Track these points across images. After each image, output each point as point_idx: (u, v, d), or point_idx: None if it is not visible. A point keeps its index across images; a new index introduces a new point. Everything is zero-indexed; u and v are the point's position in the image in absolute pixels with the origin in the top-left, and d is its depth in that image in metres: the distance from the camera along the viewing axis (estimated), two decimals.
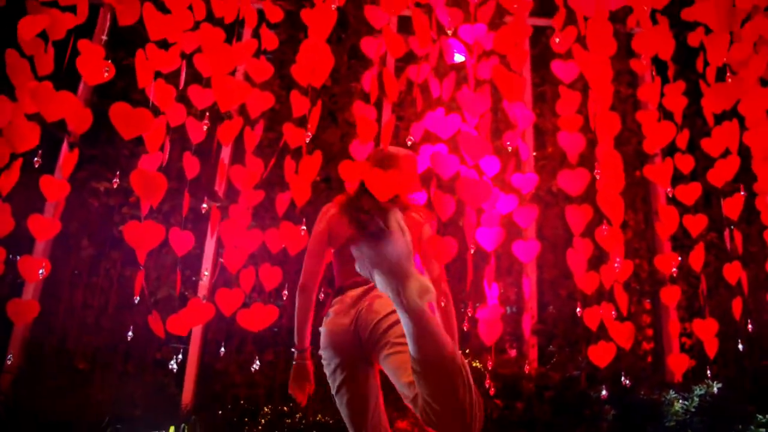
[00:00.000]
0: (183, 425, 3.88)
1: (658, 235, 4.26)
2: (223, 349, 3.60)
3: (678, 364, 3.45)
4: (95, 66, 2.28)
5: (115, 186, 2.62)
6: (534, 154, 4.79)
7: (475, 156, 2.61)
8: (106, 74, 2.23)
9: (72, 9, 2.54)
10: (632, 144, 4.83)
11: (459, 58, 3.17)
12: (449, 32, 2.67)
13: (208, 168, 3.98)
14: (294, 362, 2.22)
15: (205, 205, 2.61)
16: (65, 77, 2.60)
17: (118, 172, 2.76)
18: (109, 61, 2.29)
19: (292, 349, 2.20)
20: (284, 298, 2.59)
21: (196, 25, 2.74)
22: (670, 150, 3.19)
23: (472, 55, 3.00)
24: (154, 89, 2.59)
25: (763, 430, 3.72)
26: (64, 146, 4.41)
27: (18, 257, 2.59)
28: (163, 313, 2.83)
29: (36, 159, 2.36)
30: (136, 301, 2.76)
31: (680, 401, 3.78)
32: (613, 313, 3.06)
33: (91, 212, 4.53)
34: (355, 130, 4.73)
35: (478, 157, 2.65)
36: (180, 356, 3.01)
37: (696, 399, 3.80)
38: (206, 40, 2.54)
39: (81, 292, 4.40)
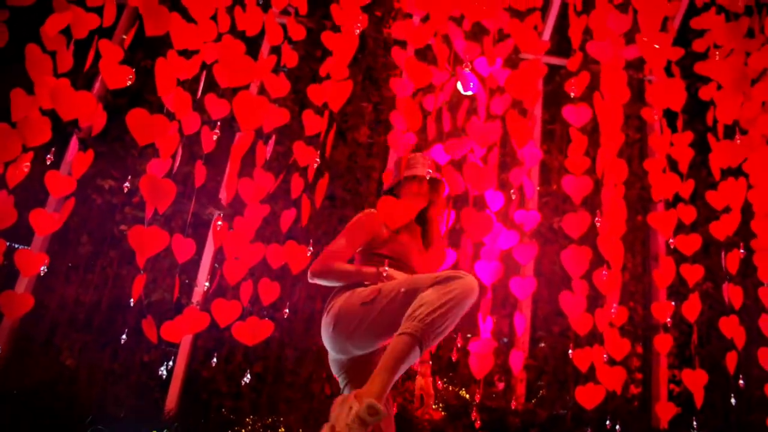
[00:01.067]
0: (164, 430, 3.85)
1: (654, 282, 4.28)
2: (215, 359, 3.58)
3: (665, 411, 3.47)
4: (117, 70, 2.31)
5: (125, 190, 2.64)
6: (538, 188, 4.83)
7: (479, 187, 2.64)
8: (129, 82, 2.26)
9: (97, 10, 2.58)
10: (636, 189, 4.87)
11: (467, 89, 3.22)
12: (467, 66, 2.71)
13: (213, 176, 4.00)
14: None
15: (218, 213, 2.62)
16: (83, 74, 2.63)
17: (129, 177, 2.77)
18: (133, 69, 2.32)
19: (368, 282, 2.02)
20: (285, 316, 2.58)
21: (219, 37, 2.78)
22: (674, 199, 3.23)
23: (485, 88, 3.05)
24: (172, 96, 2.62)
25: None
26: (72, 143, 4.43)
27: (15, 247, 2.58)
28: (156, 317, 2.82)
29: (48, 156, 2.38)
30: (132, 304, 2.76)
31: None
32: (604, 356, 3.08)
33: (93, 209, 4.54)
34: (363, 150, 4.78)
35: (482, 188, 2.68)
36: (171, 362, 3.00)
37: None
38: (227, 52, 2.57)
39: (75, 287, 4.38)
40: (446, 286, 1.67)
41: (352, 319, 1.88)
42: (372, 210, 2.16)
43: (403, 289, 1.78)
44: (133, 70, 2.32)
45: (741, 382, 3.12)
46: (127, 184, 2.60)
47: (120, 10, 2.84)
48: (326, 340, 2.02)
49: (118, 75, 2.30)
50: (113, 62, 2.51)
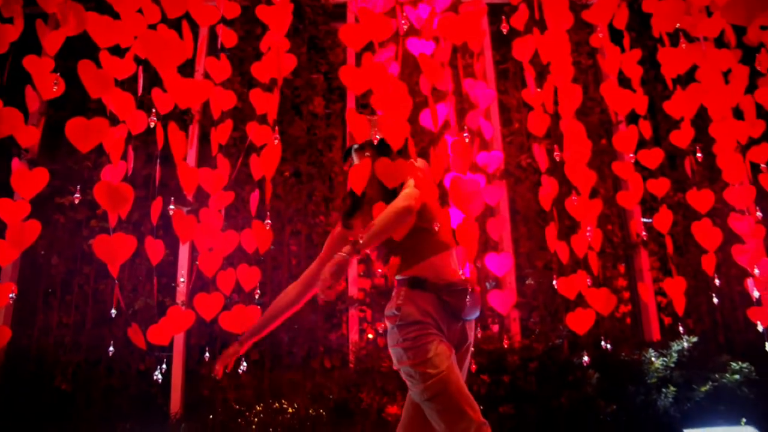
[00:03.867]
0: None
1: (621, 203, 4.36)
2: (207, 354, 3.58)
3: (655, 323, 3.57)
4: (45, 80, 2.21)
5: (76, 201, 2.55)
6: (501, 129, 4.82)
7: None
8: (55, 88, 2.16)
9: (11, 21, 2.44)
10: (596, 113, 4.90)
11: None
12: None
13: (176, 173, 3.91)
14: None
15: (172, 207, 2.55)
16: (16, 92, 2.51)
17: (78, 186, 2.68)
18: (57, 74, 2.22)
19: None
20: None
21: (152, 28, 2.66)
22: (633, 117, 3.25)
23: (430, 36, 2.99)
24: (111, 98, 2.52)
25: (737, 376, 3.87)
26: (14, 165, 4.29)
27: None
28: (143, 323, 2.79)
29: None
30: (113, 315, 2.71)
31: (660, 358, 3.89)
32: (588, 280, 3.13)
33: (58, 228, 4.42)
34: (321, 121, 4.71)
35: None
36: (164, 366, 2.97)
37: (674, 355, 3.92)
38: (158, 42, 2.47)
39: (55, 311, 4.30)
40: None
41: None
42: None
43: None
44: (58, 75, 2.21)
45: (717, 282, 3.20)
46: (77, 195, 2.51)
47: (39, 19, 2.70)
48: None
49: (44, 84, 2.20)
50: (45, 72, 2.40)
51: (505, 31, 2.67)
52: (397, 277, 2.04)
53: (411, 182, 1.99)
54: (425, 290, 1.94)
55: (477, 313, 2.05)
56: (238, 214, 4.31)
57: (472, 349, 2.10)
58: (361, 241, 1.83)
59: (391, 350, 1.97)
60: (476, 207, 2.28)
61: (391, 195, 2.02)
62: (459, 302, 1.96)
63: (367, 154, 2.12)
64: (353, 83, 2.36)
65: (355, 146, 2.20)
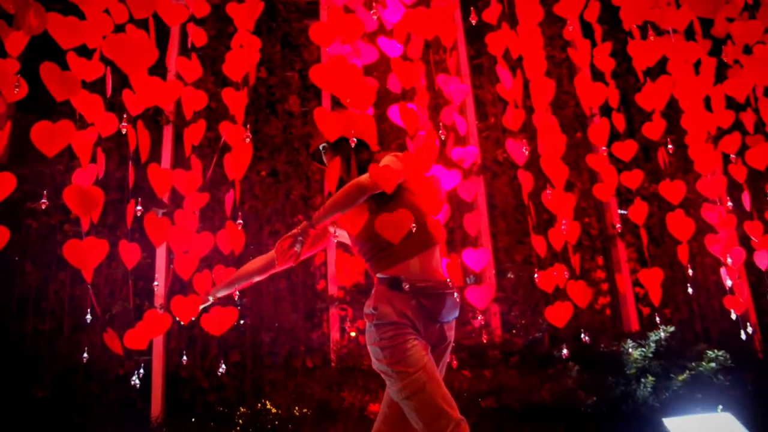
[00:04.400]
0: None
1: (596, 196, 4.42)
2: (185, 357, 3.54)
3: (633, 314, 3.61)
4: (7, 82, 2.15)
5: (43, 206, 2.50)
6: (477, 124, 4.84)
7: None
8: (17, 90, 2.11)
9: None
10: (570, 106, 4.94)
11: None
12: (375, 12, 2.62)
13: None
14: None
15: (140, 208, 2.52)
16: None
17: (46, 191, 2.62)
18: (18, 76, 2.17)
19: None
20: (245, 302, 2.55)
21: (119, 29, 2.61)
22: (606, 109, 3.28)
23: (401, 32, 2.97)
24: (79, 100, 2.47)
25: (713, 364, 3.93)
26: None
27: None
28: (120, 328, 2.74)
29: None
30: (89, 320, 2.66)
31: (638, 349, 3.94)
32: (566, 273, 3.15)
33: (31, 234, 4.34)
34: (297, 120, 4.68)
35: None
36: (142, 371, 2.92)
37: (652, 345, 3.97)
38: (124, 44, 2.43)
39: (30, 318, 4.22)
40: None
41: None
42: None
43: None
44: (19, 77, 2.16)
45: (691, 271, 3.25)
46: (44, 200, 2.46)
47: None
48: None
49: (6, 86, 2.15)
50: (8, 75, 2.34)
51: (474, 22, 2.66)
52: (378, 275, 2.04)
53: (386, 161, 1.99)
54: (402, 292, 1.93)
55: (455, 315, 2.05)
56: (214, 215, 4.26)
57: (453, 345, 2.11)
58: (313, 217, 1.92)
59: (369, 348, 1.97)
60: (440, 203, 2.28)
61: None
62: (436, 305, 1.96)
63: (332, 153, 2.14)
64: (324, 82, 2.34)
65: (323, 145, 2.20)
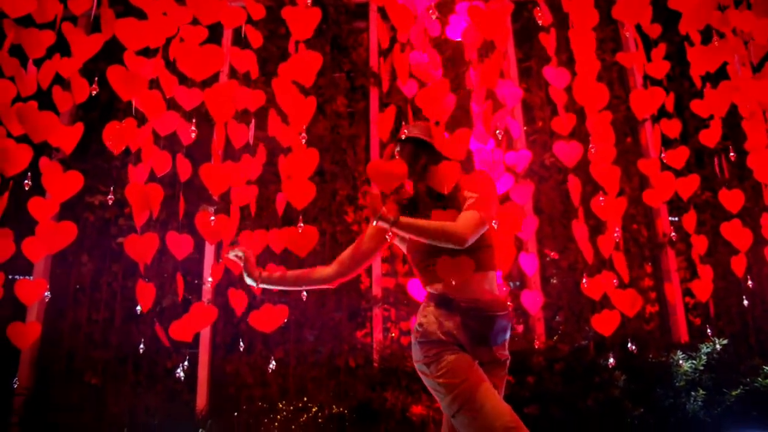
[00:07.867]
0: (200, 430, 3.91)
1: (647, 203, 4.30)
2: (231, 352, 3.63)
3: (682, 324, 3.50)
4: (79, 84, 2.25)
5: (110, 202, 2.60)
6: (524, 128, 4.78)
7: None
8: (93, 93, 2.21)
9: (50, 26, 2.50)
10: (621, 111, 4.83)
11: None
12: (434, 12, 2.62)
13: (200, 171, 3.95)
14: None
15: (210, 208, 2.58)
16: (49, 95, 2.56)
17: (111, 188, 2.73)
18: (88, 80, 2.26)
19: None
20: (304, 299, 2.56)
21: (179, 30, 2.69)
22: (660, 115, 3.19)
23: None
24: (140, 99, 2.56)
25: None
26: (42, 164, 4.44)
27: (17, 278, 2.57)
28: (169, 322, 2.82)
29: (26, 182, 2.34)
30: (139, 312, 2.74)
31: (688, 361, 3.82)
32: (614, 281, 3.09)
33: (88, 227, 4.51)
34: (344, 120, 4.72)
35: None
36: (186, 363, 3.01)
37: (703, 357, 3.84)
38: (187, 43, 2.51)
39: (85, 308, 4.39)
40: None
41: None
42: None
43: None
44: (95, 79, 2.26)
45: (750, 283, 3.13)
46: (111, 196, 2.56)
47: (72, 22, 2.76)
48: None
49: (79, 88, 2.24)
50: (75, 76, 2.45)
51: (541, 22, 2.62)
52: (427, 288, 1.99)
53: (474, 200, 1.90)
54: (451, 311, 1.89)
55: (505, 338, 1.97)
56: (262, 213, 4.34)
57: (509, 362, 2.01)
58: (400, 220, 1.85)
59: (415, 365, 1.94)
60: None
61: (440, 195, 1.99)
62: (484, 328, 1.88)
63: (398, 149, 2.06)
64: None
65: (403, 137, 2.09)
